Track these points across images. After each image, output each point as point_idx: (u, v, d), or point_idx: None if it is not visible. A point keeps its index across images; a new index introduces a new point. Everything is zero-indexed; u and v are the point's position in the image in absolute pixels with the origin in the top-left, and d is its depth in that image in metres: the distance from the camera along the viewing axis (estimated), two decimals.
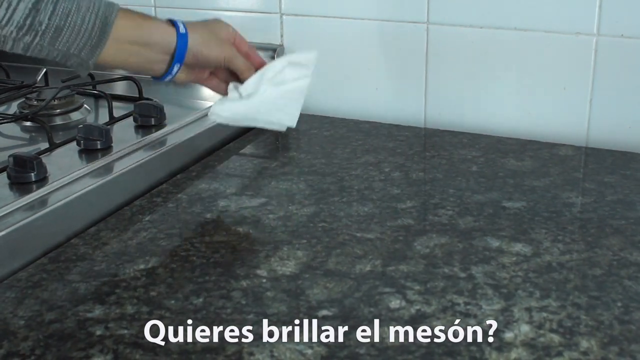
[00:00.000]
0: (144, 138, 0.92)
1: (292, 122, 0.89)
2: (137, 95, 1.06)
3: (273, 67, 0.86)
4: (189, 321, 0.59)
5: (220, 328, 0.58)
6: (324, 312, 0.60)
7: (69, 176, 0.80)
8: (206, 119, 1.02)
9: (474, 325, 0.58)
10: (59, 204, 0.75)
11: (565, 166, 0.90)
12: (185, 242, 0.72)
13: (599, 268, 0.66)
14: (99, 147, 0.87)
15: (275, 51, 1.13)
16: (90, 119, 1.03)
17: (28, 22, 0.70)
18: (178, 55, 0.81)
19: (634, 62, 0.95)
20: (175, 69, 0.82)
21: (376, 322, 0.59)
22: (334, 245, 0.71)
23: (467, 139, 1.00)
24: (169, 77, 0.82)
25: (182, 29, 0.82)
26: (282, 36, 1.15)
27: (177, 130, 0.97)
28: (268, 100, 0.86)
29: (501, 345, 0.56)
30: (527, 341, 0.56)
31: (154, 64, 0.81)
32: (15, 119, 0.99)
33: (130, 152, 0.88)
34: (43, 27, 0.71)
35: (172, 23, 0.82)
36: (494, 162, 0.92)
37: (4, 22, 0.69)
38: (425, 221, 0.76)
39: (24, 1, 0.70)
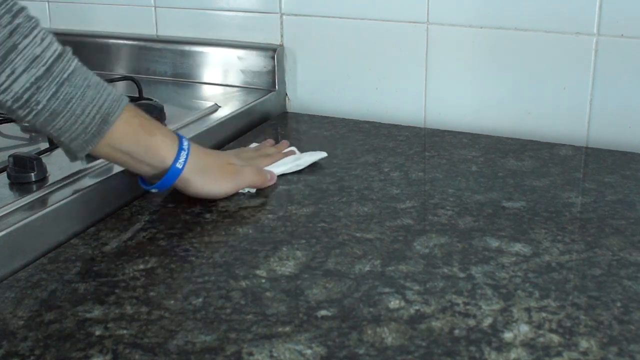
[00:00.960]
0: None
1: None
2: (137, 95, 1.06)
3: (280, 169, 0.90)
4: (189, 321, 0.59)
5: (220, 328, 0.58)
6: (324, 312, 0.60)
7: (68, 176, 0.80)
8: (206, 119, 1.02)
9: (474, 325, 0.58)
10: (59, 204, 0.75)
11: (565, 166, 0.90)
12: (184, 242, 0.72)
13: (598, 268, 0.66)
14: None
15: (275, 51, 1.14)
16: None
17: (26, 96, 0.67)
18: (159, 185, 0.78)
19: (634, 62, 0.95)
20: (154, 191, 0.81)
21: (375, 322, 0.59)
22: (333, 245, 0.71)
23: (467, 139, 1.00)
24: (151, 191, 0.82)
25: (179, 163, 0.77)
26: (282, 36, 1.15)
27: (177, 130, 0.96)
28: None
29: (500, 345, 0.56)
30: (527, 341, 0.56)
31: (138, 173, 0.79)
32: None
33: None
34: (39, 107, 0.67)
35: (178, 141, 0.78)
36: (493, 162, 0.92)
37: (3, 88, 0.66)
38: (424, 221, 0.76)
39: (27, 73, 0.67)
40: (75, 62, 0.71)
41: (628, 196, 0.81)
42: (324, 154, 0.93)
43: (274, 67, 1.14)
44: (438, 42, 1.05)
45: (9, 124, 0.98)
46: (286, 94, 1.17)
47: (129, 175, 0.81)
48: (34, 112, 0.67)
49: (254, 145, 0.95)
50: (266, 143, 0.96)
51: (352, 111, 1.12)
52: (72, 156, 0.73)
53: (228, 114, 1.04)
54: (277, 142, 0.96)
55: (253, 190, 0.84)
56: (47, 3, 1.35)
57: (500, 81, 1.03)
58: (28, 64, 0.66)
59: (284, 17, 1.14)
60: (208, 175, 0.80)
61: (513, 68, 1.02)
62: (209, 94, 1.15)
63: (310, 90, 1.16)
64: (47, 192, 0.77)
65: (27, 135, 0.98)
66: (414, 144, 0.99)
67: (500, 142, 0.99)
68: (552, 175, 0.87)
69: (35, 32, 0.67)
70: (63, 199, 0.75)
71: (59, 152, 0.88)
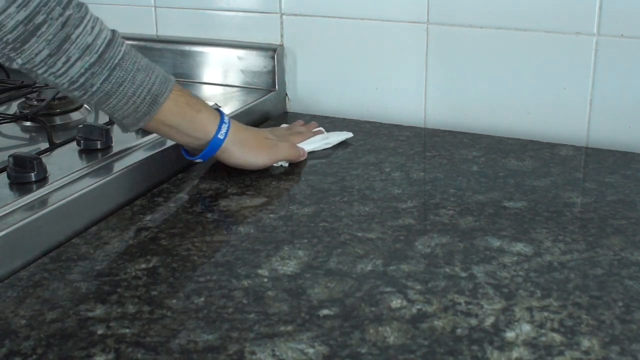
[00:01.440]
0: (144, 138, 0.92)
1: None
2: None
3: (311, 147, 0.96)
4: (191, 320, 0.59)
5: (222, 327, 0.58)
6: (325, 312, 0.60)
7: (69, 176, 0.80)
8: None
9: (475, 324, 0.58)
10: (59, 204, 0.74)
11: (566, 166, 0.90)
12: (186, 242, 0.72)
13: (599, 268, 0.67)
14: (99, 147, 0.87)
15: (275, 51, 1.14)
16: (90, 119, 1.03)
17: (81, 80, 0.72)
18: (203, 155, 0.85)
19: (634, 62, 0.95)
20: (199, 161, 0.88)
21: (377, 321, 0.59)
22: (335, 244, 0.71)
23: (467, 138, 1.01)
24: (193, 159, 0.88)
25: (221, 134, 0.84)
26: (282, 36, 1.15)
27: None
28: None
29: (502, 344, 0.56)
30: (529, 341, 0.56)
31: (185, 144, 0.86)
32: (15, 119, 0.99)
33: (130, 152, 0.88)
34: (94, 89, 0.73)
35: (220, 115, 0.85)
36: (494, 162, 0.92)
37: (59, 73, 0.71)
38: (426, 221, 0.76)
39: (81, 60, 0.72)
40: (125, 47, 0.77)
41: (629, 196, 0.81)
42: (350, 134, 1.00)
43: (274, 67, 1.14)
44: (438, 42, 1.05)
45: (9, 124, 0.98)
46: (286, 94, 1.17)
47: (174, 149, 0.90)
48: (88, 93, 0.74)
49: (284, 126, 1.02)
50: (297, 123, 1.04)
51: (352, 111, 1.12)
52: (125, 129, 0.80)
53: (228, 114, 1.04)
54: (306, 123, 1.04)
55: (286, 164, 0.91)
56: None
57: (500, 81, 1.03)
58: (81, 52, 0.72)
59: (284, 17, 1.14)
60: (247, 147, 0.87)
61: (513, 68, 1.02)
62: (209, 94, 1.15)
63: (310, 90, 1.16)
64: (47, 192, 0.77)
65: (27, 135, 0.98)
66: (414, 144, 0.99)
67: (501, 142, 0.99)
68: (552, 175, 0.87)
69: (85, 21, 0.73)
70: (63, 199, 0.75)
71: (58, 152, 0.88)
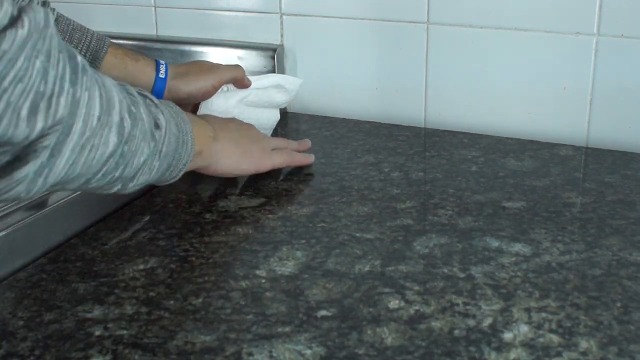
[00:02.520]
0: None
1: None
2: None
3: (260, 82, 0.95)
4: (188, 321, 0.59)
5: (220, 328, 0.58)
6: (323, 313, 0.60)
7: None
8: None
9: (473, 325, 0.58)
10: (58, 204, 0.75)
11: (565, 166, 0.90)
12: (184, 243, 0.72)
13: (598, 268, 0.66)
14: None
15: (275, 51, 1.13)
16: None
17: None
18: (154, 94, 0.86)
19: (634, 62, 0.95)
20: None
21: (375, 322, 0.59)
22: (333, 245, 0.71)
23: (467, 139, 1.00)
24: None
25: (161, 73, 0.86)
26: (282, 36, 1.15)
27: None
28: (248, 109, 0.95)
29: (500, 345, 0.56)
30: (527, 341, 0.56)
31: None
32: None
33: None
34: None
35: (156, 65, 0.87)
36: (494, 162, 0.92)
37: None
38: (424, 221, 0.76)
39: None
40: (56, 12, 0.80)
41: (628, 196, 0.81)
42: (299, 81, 1.00)
43: (274, 67, 1.14)
44: (438, 42, 1.05)
45: None
46: None
47: None
48: None
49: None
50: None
51: (352, 111, 1.12)
52: None
53: None
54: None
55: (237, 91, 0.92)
56: None
57: (500, 81, 1.03)
58: None
59: (284, 17, 1.14)
60: (189, 76, 0.88)
61: (513, 68, 1.01)
62: None
63: (310, 90, 1.15)
64: (46, 192, 0.77)
65: None
66: (414, 144, 0.99)
67: (501, 142, 0.99)
68: (552, 175, 0.87)
69: None
70: (63, 199, 0.75)
71: None
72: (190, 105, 0.91)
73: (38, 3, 0.76)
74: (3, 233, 0.68)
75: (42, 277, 0.67)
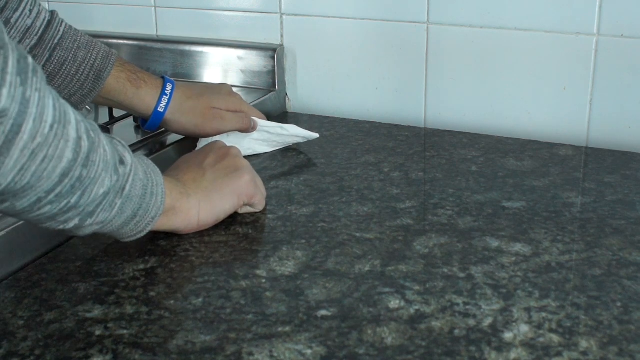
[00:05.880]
0: (144, 138, 0.92)
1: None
2: None
3: (272, 128, 0.95)
4: (189, 321, 0.59)
5: (220, 328, 0.58)
6: (323, 312, 0.60)
7: None
8: None
9: (473, 325, 0.58)
10: None
11: (565, 166, 0.90)
12: (184, 242, 0.72)
13: (598, 268, 0.66)
14: None
15: (275, 51, 1.13)
16: (90, 119, 1.03)
17: None
18: (148, 126, 0.87)
19: (634, 62, 0.95)
20: (147, 130, 0.89)
21: (375, 322, 0.59)
22: (333, 245, 0.71)
23: (467, 139, 1.00)
24: (143, 128, 0.90)
25: (160, 107, 0.85)
26: (282, 36, 1.15)
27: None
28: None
29: (500, 345, 0.56)
30: (527, 341, 0.56)
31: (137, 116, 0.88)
32: None
33: None
34: None
35: (162, 85, 0.85)
36: (493, 162, 0.92)
37: None
38: (424, 221, 0.76)
39: (22, 44, 0.72)
40: (64, 26, 0.77)
41: (628, 196, 0.81)
42: (315, 135, 0.97)
43: (274, 67, 1.14)
44: (438, 42, 1.05)
45: None
46: (286, 94, 1.17)
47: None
48: None
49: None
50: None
51: (352, 111, 1.12)
52: (74, 107, 0.78)
53: None
54: None
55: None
56: (47, 3, 1.35)
57: (500, 81, 1.03)
58: (22, 35, 0.72)
59: (284, 17, 1.14)
60: (191, 117, 0.87)
61: (513, 68, 1.01)
62: None
63: (310, 90, 1.16)
64: None
65: None
66: (414, 144, 0.99)
67: (500, 142, 0.99)
68: (552, 175, 0.87)
69: (23, 4, 0.72)
70: None
71: None
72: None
73: (45, 16, 0.75)
74: (3, 233, 0.68)
75: (42, 277, 0.67)
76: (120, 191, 0.61)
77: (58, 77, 0.75)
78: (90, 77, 0.78)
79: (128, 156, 0.62)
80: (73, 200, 0.57)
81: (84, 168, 0.56)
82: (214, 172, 0.75)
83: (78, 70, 0.76)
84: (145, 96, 0.84)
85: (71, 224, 0.59)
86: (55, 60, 0.74)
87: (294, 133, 0.96)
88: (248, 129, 0.92)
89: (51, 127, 0.52)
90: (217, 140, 0.84)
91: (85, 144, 0.56)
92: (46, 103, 0.51)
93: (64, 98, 0.74)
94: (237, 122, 0.91)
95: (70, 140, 0.54)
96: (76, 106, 0.79)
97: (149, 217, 0.65)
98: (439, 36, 1.05)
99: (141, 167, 0.64)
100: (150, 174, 0.65)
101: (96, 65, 0.78)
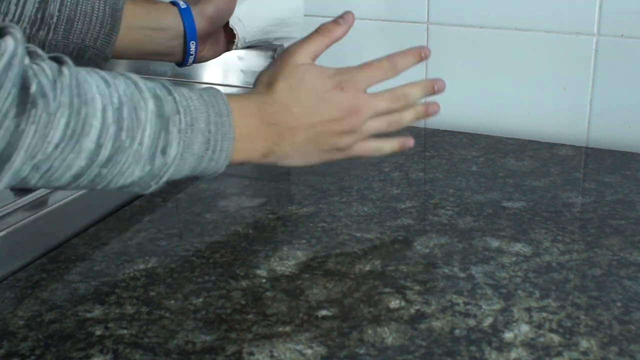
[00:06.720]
0: None
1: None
2: None
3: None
4: (189, 321, 0.59)
5: (220, 328, 0.58)
6: (324, 312, 0.60)
7: None
8: None
9: (474, 325, 0.58)
10: (59, 204, 0.74)
11: (565, 166, 0.90)
12: (185, 242, 0.72)
13: (598, 268, 0.66)
14: None
15: (275, 51, 1.13)
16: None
17: (39, 16, 0.69)
18: (189, 32, 0.80)
19: (634, 62, 0.95)
20: (192, 47, 0.81)
21: (376, 322, 0.59)
22: (333, 245, 0.71)
23: (467, 139, 1.01)
24: (191, 59, 0.83)
25: (182, 4, 0.80)
26: None
27: None
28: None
29: (501, 345, 0.56)
30: (527, 341, 0.56)
31: (171, 48, 0.81)
32: None
33: None
34: (55, 20, 0.70)
35: (173, 3, 0.81)
36: (493, 162, 0.92)
37: (16, 17, 0.68)
38: (424, 221, 0.76)
39: None
40: None
41: (628, 196, 0.81)
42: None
43: None
44: (438, 42, 1.05)
45: None
46: None
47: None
48: (52, 28, 0.71)
49: None
50: None
51: None
52: (102, 58, 0.76)
53: None
54: None
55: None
56: None
57: (500, 81, 1.03)
58: None
59: None
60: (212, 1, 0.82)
61: (513, 68, 1.01)
62: None
63: None
64: (47, 192, 0.77)
65: None
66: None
67: (500, 142, 0.99)
68: (552, 175, 0.87)
69: None
70: (63, 199, 0.75)
71: None
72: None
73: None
74: (3, 233, 0.68)
75: (42, 277, 0.67)
76: (155, 178, 0.59)
77: (76, 19, 0.73)
78: (107, 12, 0.75)
79: (175, 145, 0.58)
80: (98, 188, 0.57)
81: (104, 168, 0.55)
82: (321, 142, 0.67)
83: (94, 7, 0.74)
84: (166, 7, 0.80)
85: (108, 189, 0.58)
86: (69, 2, 0.72)
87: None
88: None
89: (56, 146, 0.51)
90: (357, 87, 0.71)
91: (106, 150, 0.54)
92: (53, 126, 0.50)
93: (89, 47, 0.73)
94: None
95: (84, 152, 0.53)
96: (104, 52, 0.76)
97: (207, 173, 0.62)
98: (439, 36, 1.05)
99: (202, 137, 0.60)
100: (217, 140, 0.60)
101: None
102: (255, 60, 1.15)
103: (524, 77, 1.01)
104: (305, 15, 1.12)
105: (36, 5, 0.70)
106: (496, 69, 1.02)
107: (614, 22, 0.94)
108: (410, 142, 0.75)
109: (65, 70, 0.52)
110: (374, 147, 0.72)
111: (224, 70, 1.18)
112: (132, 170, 0.57)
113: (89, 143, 0.53)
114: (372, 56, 1.10)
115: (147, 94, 0.58)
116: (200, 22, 0.81)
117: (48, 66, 0.51)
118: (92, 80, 0.54)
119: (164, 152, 0.58)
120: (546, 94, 1.01)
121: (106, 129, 0.54)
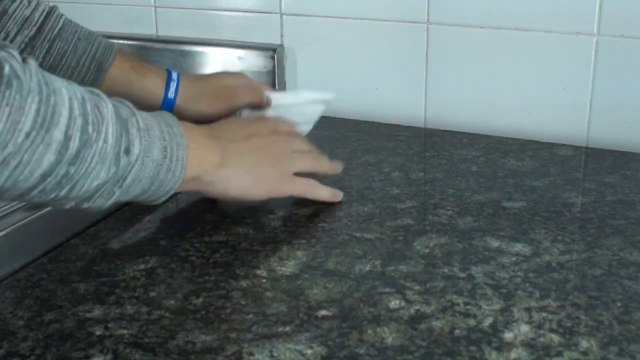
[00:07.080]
0: None
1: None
2: None
3: (287, 99, 0.91)
4: (189, 321, 0.59)
5: (220, 328, 0.58)
6: (324, 312, 0.60)
7: None
8: None
9: (474, 325, 0.58)
10: None
11: (565, 166, 0.90)
12: (184, 242, 0.72)
13: (598, 268, 0.66)
14: None
15: (275, 51, 1.13)
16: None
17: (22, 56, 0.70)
18: (167, 106, 0.82)
19: (634, 62, 0.95)
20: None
21: (376, 322, 0.59)
22: (333, 245, 0.71)
23: (467, 139, 1.01)
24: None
25: (170, 93, 0.80)
26: (282, 36, 1.15)
27: None
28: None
29: (501, 345, 0.56)
30: (527, 341, 0.56)
31: (149, 108, 0.81)
32: None
33: None
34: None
35: (167, 75, 0.81)
36: (493, 162, 0.92)
37: None
38: (425, 221, 0.76)
39: (21, 35, 0.70)
40: (64, 18, 0.75)
41: (628, 196, 0.81)
42: (331, 95, 0.93)
43: (274, 67, 1.14)
44: (438, 42, 1.05)
45: None
46: None
47: None
48: None
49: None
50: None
51: (352, 111, 1.12)
52: None
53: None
54: None
55: (254, 113, 0.86)
56: (47, 3, 1.34)
57: (500, 81, 1.03)
58: (20, 26, 0.70)
59: (284, 17, 1.14)
60: (202, 99, 0.83)
61: (513, 68, 1.02)
62: None
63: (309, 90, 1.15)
64: None
65: None
66: (414, 144, 0.99)
67: (500, 142, 0.99)
68: (552, 175, 0.87)
69: None
70: None
71: None
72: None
73: (44, 8, 0.75)
74: (3, 233, 0.68)
75: (42, 277, 0.67)
76: (119, 181, 0.60)
77: (59, 69, 0.73)
78: (92, 69, 0.75)
79: (137, 144, 0.60)
80: (62, 194, 0.56)
81: (72, 165, 0.55)
82: (258, 152, 0.73)
83: (79, 62, 0.74)
84: (152, 86, 0.80)
85: (67, 207, 0.59)
86: (55, 52, 0.72)
87: (310, 98, 0.92)
88: (262, 102, 0.87)
89: (27, 135, 0.51)
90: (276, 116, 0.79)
91: (74, 143, 0.54)
92: (22, 113, 0.50)
93: None
94: (250, 95, 0.86)
95: (54, 143, 0.53)
96: None
97: (163, 190, 0.65)
98: (439, 36, 1.05)
99: (159, 144, 0.61)
100: (172, 148, 0.63)
101: (97, 56, 0.76)
102: (255, 61, 1.15)
103: (524, 77, 1.01)
104: (304, 15, 1.12)
105: (22, 46, 0.70)
106: (496, 69, 1.02)
107: (614, 22, 0.94)
108: (339, 195, 0.80)
109: (30, 60, 0.52)
110: (313, 183, 0.78)
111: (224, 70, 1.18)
112: (98, 172, 0.57)
113: (58, 133, 0.53)
114: (372, 56, 1.10)
115: (103, 96, 0.59)
116: (183, 112, 0.81)
117: (16, 53, 0.52)
118: (54, 76, 0.55)
119: (127, 151, 0.59)
120: (546, 94, 1.01)
121: (74, 119, 0.54)
